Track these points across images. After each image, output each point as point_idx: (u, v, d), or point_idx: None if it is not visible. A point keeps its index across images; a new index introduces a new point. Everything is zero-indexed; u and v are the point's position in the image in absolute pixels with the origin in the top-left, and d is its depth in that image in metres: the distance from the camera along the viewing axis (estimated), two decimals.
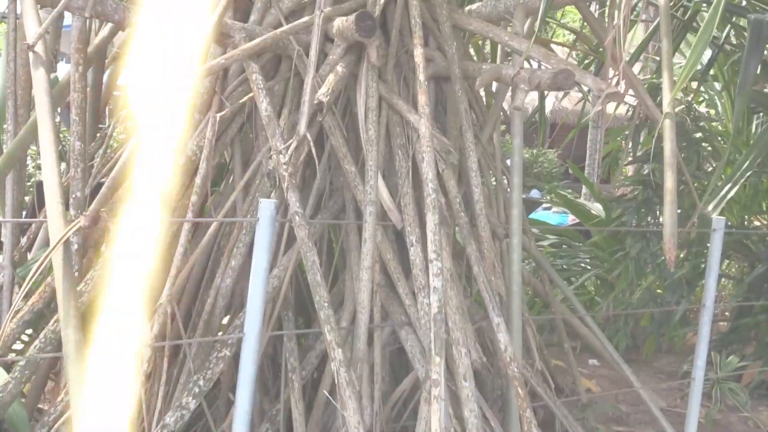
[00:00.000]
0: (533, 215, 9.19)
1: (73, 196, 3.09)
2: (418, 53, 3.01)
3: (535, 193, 11.28)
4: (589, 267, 6.70)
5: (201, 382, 2.93)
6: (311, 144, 2.76)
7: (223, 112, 3.13)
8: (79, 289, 2.96)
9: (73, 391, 2.20)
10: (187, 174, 3.14)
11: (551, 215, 9.57)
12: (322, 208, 3.50)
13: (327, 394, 3.10)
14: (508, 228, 3.40)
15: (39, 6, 2.89)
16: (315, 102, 2.91)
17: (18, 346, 3.34)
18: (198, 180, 3.06)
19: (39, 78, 2.67)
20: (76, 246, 3.08)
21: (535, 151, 15.10)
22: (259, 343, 2.88)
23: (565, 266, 6.82)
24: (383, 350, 3.38)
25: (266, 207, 2.90)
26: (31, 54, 2.74)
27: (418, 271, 3.03)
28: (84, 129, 3.11)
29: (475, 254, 3.10)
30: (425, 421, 2.86)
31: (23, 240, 3.53)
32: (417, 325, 3.12)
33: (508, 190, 3.43)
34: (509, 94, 3.57)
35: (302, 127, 2.65)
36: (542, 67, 3.56)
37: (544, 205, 9.92)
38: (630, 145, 5.86)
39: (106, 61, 3.98)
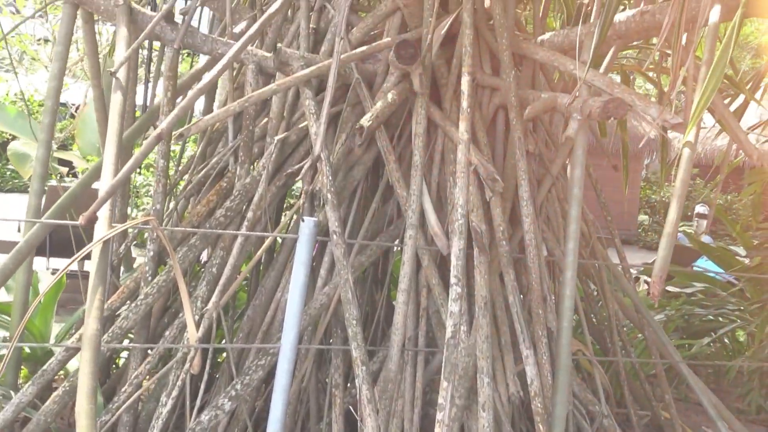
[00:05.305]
0: (700, 262, 8.56)
1: (153, 208, 3.42)
2: (465, 81, 3.03)
3: (707, 239, 10.44)
4: (736, 319, 6.15)
5: (238, 386, 3.11)
6: (324, 164, 2.87)
7: (282, 135, 3.34)
8: (146, 291, 3.28)
9: (81, 375, 2.44)
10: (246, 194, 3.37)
11: (714, 264, 8.84)
12: (383, 233, 3.59)
13: (351, 409, 3.16)
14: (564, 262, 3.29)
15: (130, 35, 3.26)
16: (357, 127, 3.04)
17: None
18: (256, 198, 3.28)
19: (115, 101, 3.00)
20: (152, 253, 3.39)
21: (729, 196, 14.07)
22: (293, 353, 3.02)
23: (711, 317, 6.32)
24: (430, 375, 3.39)
25: (307, 225, 3.06)
26: (114, 79, 3.08)
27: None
28: (168, 149, 3.42)
29: (512, 284, 3.03)
30: None
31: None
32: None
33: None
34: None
35: (317, 147, 2.77)
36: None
37: None
38: None
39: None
